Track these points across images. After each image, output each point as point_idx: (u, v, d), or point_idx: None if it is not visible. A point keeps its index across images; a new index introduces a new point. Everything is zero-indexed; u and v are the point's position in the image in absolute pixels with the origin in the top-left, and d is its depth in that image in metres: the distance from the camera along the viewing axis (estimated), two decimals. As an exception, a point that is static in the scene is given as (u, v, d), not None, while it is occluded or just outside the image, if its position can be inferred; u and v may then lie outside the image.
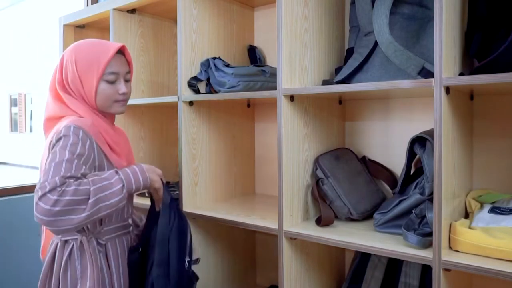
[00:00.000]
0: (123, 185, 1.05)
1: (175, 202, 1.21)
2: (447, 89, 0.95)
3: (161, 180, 1.19)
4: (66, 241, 1.11)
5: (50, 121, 1.18)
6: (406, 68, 1.07)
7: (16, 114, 14.30)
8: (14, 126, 14.46)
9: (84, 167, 1.02)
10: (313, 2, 1.30)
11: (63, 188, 0.93)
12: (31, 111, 13.53)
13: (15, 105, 14.25)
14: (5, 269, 2.04)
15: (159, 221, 1.15)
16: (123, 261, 1.18)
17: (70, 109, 1.15)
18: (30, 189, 2.18)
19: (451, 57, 0.98)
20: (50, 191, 0.92)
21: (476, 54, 1.06)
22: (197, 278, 1.27)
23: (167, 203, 1.17)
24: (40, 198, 0.92)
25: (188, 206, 1.50)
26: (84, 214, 0.95)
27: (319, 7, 1.33)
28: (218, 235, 1.60)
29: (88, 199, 0.96)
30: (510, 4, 1.03)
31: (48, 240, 1.20)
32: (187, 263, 1.18)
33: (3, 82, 14.54)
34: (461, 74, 1.03)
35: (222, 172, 1.65)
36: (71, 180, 0.96)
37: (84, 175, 1.01)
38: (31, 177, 8.91)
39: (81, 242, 1.10)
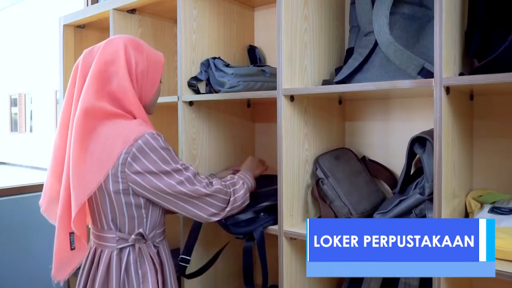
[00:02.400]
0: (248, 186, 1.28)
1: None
2: (447, 89, 0.95)
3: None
4: (121, 249, 1.10)
5: (92, 115, 1.05)
6: (406, 68, 1.07)
7: (16, 114, 14.29)
8: (14, 126, 14.45)
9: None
10: (313, 2, 1.30)
11: (231, 203, 1.18)
12: (31, 111, 13.53)
13: (15, 105, 14.24)
14: (5, 269, 2.04)
15: None
16: (171, 260, 1.22)
17: (121, 105, 1.08)
18: (30, 189, 2.17)
19: (451, 57, 0.98)
20: (224, 208, 1.18)
21: (476, 54, 1.06)
22: None
23: None
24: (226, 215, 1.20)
25: (188, 206, 1.49)
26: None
27: (319, 7, 1.33)
28: (217, 235, 1.60)
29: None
30: (510, 5, 1.03)
31: (61, 251, 1.11)
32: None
33: (3, 82, 14.53)
34: (461, 74, 1.03)
35: (222, 172, 1.64)
36: (229, 190, 1.19)
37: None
38: (31, 177, 8.91)
39: (139, 248, 1.10)
